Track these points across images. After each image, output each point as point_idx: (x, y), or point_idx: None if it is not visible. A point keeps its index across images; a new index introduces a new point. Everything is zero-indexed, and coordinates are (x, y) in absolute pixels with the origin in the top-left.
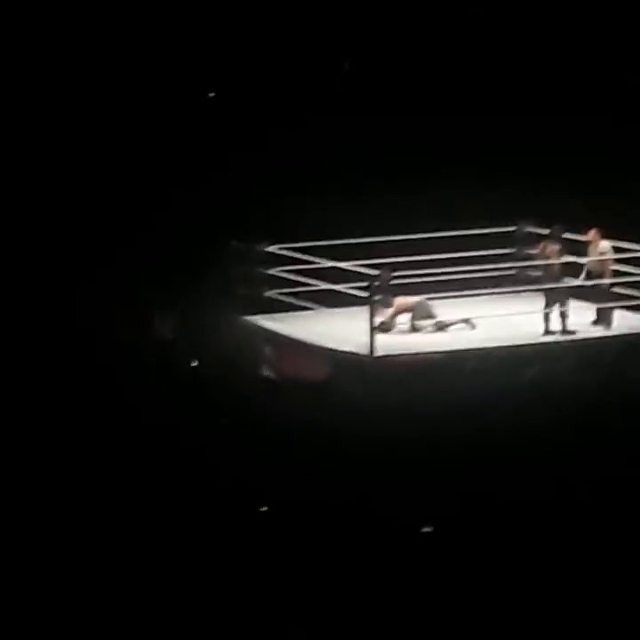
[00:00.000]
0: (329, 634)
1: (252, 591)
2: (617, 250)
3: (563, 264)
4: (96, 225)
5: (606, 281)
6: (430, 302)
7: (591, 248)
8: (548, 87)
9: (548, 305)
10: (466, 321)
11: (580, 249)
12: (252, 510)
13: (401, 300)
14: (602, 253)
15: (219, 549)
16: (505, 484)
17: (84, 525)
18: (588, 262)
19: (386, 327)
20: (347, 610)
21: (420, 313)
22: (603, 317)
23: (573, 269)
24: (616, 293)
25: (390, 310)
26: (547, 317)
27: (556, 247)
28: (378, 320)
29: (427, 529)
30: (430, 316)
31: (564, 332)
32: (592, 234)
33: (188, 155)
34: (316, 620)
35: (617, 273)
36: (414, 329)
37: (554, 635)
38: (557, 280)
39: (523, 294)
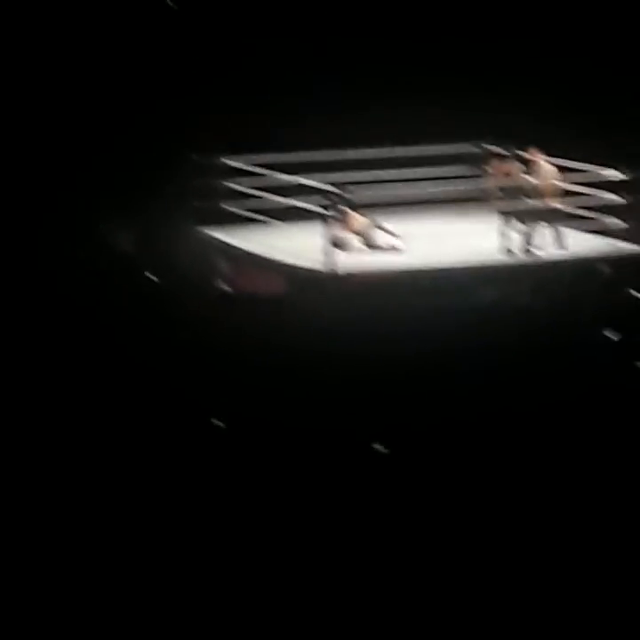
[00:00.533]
0: (282, 550)
1: (204, 507)
2: (572, 171)
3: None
4: (53, 138)
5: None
6: (387, 219)
7: (533, 167)
8: (500, 6)
9: (507, 224)
10: (392, 246)
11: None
12: (207, 425)
13: (354, 218)
14: (545, 173)
15: (173, 464)
16: (460, 403)
17: (44, 439)
18: (534, 182)
19: (340, 243)
20: (299, 526)
21: (369, 232)
22: (555, 239)
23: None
24: (568, 214)
25: (347, 227)
26: (505, 236)
27: (513, 166)
28: (333, 237)
29: (379, 447)
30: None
31: (526, 252)
32: (533, 153)
33: (149, 66)
34: (266, 537)
35: (572, 194)
36: (369, 246)
37: (504, 560)
38: (514, 199)
39: (477, 213)
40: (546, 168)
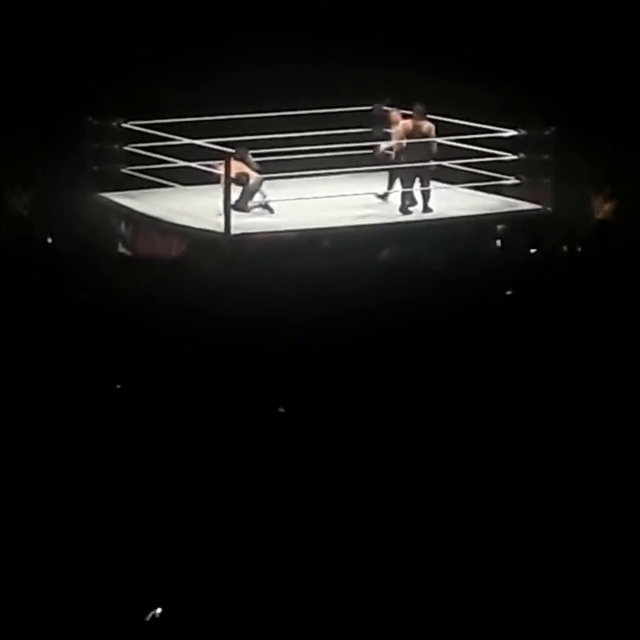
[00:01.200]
0: (186, 512)
1: (105, 472)
2: (466, 128)
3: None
4: None
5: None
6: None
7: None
8: None
9: (404, 183)
10: (265, 206)
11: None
12: (108, 388)
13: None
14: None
15: (73, 428)
16: (358, 366)
17: None
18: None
19: (239, 206)
20: (202, 486)
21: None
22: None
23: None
24: (463, 172)
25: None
26: (403, 196)
27: (405, 125)
28: (236, 197)
29: (281, 410)
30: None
31: (425, 210)
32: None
33: (48, 28)
34: (169, 500)
35: (467, 152)
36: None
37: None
38: (406, 158)
39: (375, 174)
40: (428, 125)
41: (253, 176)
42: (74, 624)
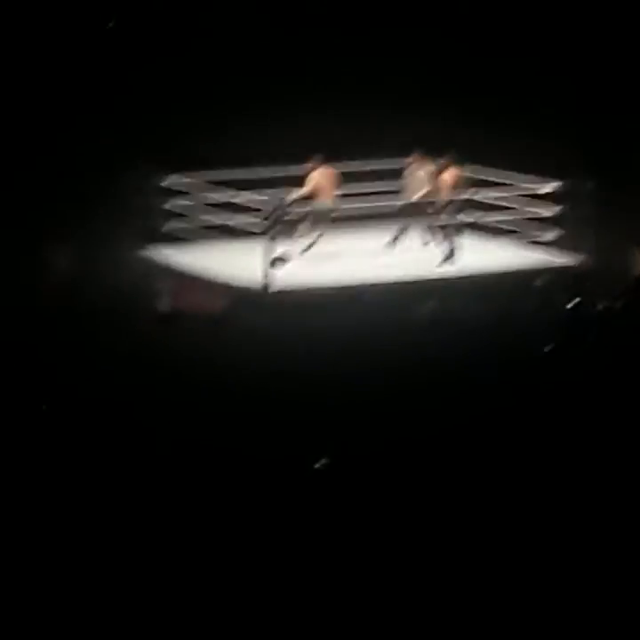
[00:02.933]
0: (218, 579)
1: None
2: (505, 184)
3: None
4: None
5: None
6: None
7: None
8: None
9: (436, 237)
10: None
11: None
12: (151, 449)
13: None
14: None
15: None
16: (402, 420)
17: None
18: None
19: (279, 261)
20: (240, 553)
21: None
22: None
23: None
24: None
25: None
26: (435, 249)
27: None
28: (277, 252)
29: (321, 463)
30: None
31: (450, 263)
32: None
33: (91, 85)
34: (203, 566)
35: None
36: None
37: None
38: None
39: (412, 226)
40: (455, 177)
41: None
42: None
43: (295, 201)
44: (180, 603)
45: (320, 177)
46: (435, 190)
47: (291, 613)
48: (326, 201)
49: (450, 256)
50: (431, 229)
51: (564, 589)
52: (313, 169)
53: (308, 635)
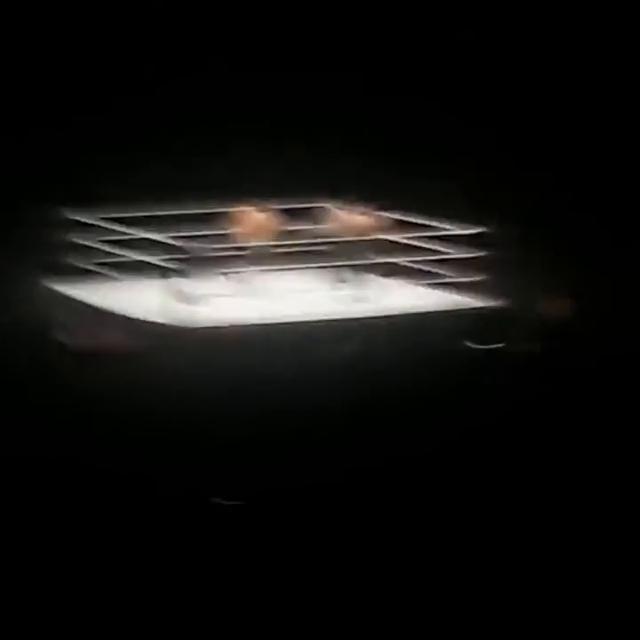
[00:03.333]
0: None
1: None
2: (422, 226)
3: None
4: None
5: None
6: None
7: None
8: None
9: (344, 278)
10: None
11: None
12: (58, 481)
13: None
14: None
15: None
16: (319, 459)
17: None
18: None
19: (183, 297)
20: (154, 585)
21: None
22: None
23: None
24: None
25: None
26: (342, 289)
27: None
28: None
29: (237, 502)
30: None
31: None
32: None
33: None
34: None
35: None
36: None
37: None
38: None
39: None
40: (374, 222)
41: None
42: None
43: (232, 238)
44: None
45: (258, 216)
46: (353, 232)
47: None
48: (264, 240)
49: (367, 297)
50: (349, 271)
51: (541, 581)
52: (250, 208)
53: None
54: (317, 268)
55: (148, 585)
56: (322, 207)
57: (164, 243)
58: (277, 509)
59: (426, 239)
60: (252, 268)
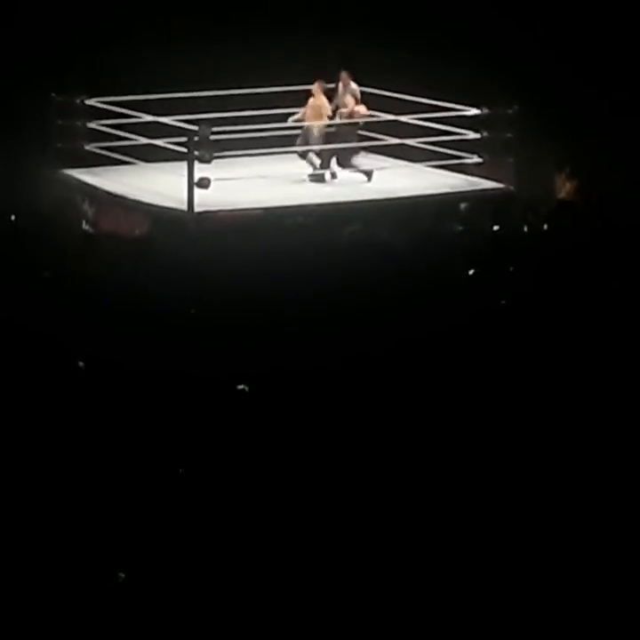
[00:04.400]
0: (154, 496)
1: (66, 452)
2: (429, 107)
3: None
4: None
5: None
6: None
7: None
8: None
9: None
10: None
11: None
12: (71, 366)
13: None
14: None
15: (35, 406)
16: (324, 343)
17: None
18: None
19: (203, 183)
20: (162, 466)
21: None
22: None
23: None
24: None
25: None
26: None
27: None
28: (202, 174)
29: (242, 387)
30: None
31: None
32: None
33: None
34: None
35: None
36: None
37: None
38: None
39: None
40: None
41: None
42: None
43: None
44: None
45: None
46: (348, 114)
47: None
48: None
49: (369, 179)
50: (347, 153)
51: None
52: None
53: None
54: (320, 151)
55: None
56: (319, 88)
57: (179, 127)
58: (279, 391)
59: (434, 120)
60: (264, 151)
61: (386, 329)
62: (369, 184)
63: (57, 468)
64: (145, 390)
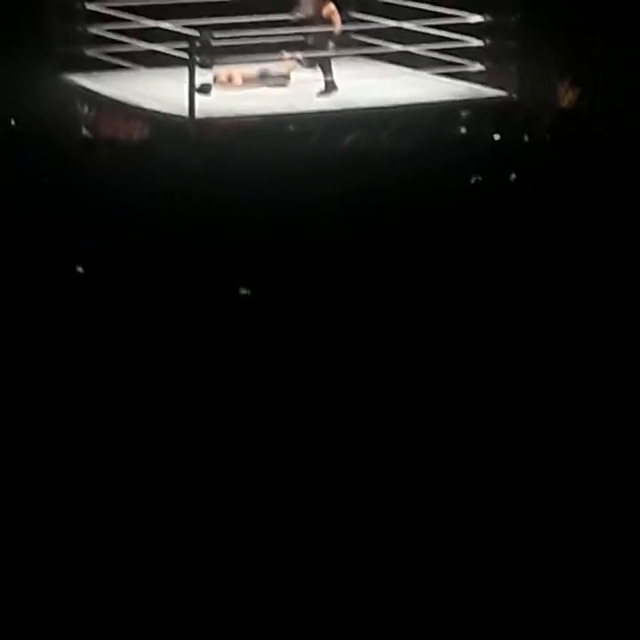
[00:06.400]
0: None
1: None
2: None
3: None
4: None
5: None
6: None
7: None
8: None
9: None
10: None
11: None
12: (69, 272)
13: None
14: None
15: (36, 312)
16: (325, 250)
17: None
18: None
19: (204, 88)
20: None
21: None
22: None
23: None
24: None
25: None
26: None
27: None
28: (202, 80)
29: (245, 292)
30: None
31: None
32: None
33: None
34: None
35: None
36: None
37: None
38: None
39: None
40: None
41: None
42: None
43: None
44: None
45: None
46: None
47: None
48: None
49: (368, 86)
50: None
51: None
52: None
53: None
54: (326, 56)
55: None
56: None
57: (181, 33)
58: (280, 299)
59: (428, 27)
60: (268, 57)
61: (385, 237)
62: (370, 92)
63: (54, 377)
64: (145, 296)
